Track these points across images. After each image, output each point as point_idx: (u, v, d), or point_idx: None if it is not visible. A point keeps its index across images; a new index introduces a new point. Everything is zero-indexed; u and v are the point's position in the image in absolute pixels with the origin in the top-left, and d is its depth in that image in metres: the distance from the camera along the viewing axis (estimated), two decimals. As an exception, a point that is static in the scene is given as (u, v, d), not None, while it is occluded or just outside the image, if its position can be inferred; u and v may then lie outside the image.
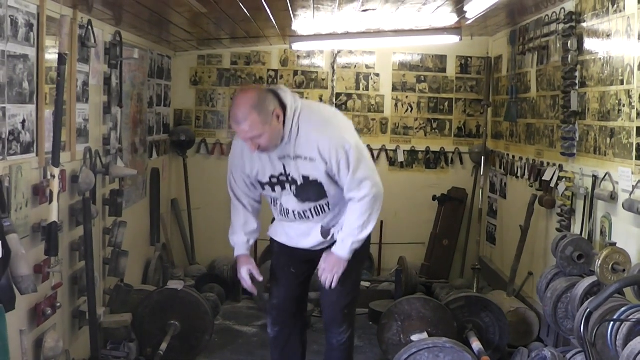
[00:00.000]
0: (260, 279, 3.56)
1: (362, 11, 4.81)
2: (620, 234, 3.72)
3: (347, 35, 6.01)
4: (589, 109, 4.16)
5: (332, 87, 6.81)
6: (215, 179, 6.76)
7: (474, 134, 6.87)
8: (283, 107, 3.21)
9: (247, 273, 3.53)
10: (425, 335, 4.27)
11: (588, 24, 4.17)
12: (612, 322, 2.92)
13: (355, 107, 6.83)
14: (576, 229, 4.34)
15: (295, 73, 6.82)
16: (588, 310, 2.53)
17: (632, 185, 3.50)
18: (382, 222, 6.78)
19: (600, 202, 3.97)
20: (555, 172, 4.66)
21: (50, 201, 3.38)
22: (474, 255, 6.70)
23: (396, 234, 6.81)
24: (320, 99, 6.79)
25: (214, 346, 4.96)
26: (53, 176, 3.40)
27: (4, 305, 2.77)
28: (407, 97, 6.85)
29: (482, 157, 6.57)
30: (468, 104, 6.86)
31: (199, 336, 4.63)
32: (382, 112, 6.85)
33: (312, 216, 3.45)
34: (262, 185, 3.44)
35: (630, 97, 3.58)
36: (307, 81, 6.81)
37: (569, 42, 4.30)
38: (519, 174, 5.63)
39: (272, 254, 3.80)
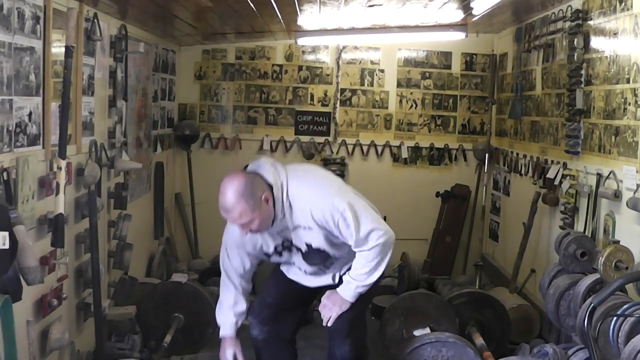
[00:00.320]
0: None
1: (369, 6, 4.82)
2: (623, 232, 3.72)
3: (352, 30, 6.01)
4: (594, 107, 4.17)
5: (337, 83, 6.81)
6: (219, 174, 6.66)
7: (478, 131, 6.87)
8: (270, 186, 3.14)
9: (231, 356, 3.46)
10: (427, 330, 4.28)
11: (595, 22, 4.17)
12: (614, 319, 2.93)
13: (359, 103, 6.84)
14: (579, 226, 4.35)
15: (300, 68, 6.82)
16: (592, 305, 2.53)
17: (637, 184, 3.50)
18: (385, 217, 6.76)
19: (604, 200, 3.98)
20: (559, 169, 4.66)
21: (57, 193, 3.40)
22: (477, 252, 6.70)
23: (399, 230, 6.65)
24: (325, 95, 6.80)
25: (217, 339, 4.95)
26: (59, 168, 3.41)
27: (11, 296, 2.79)
28: (411, 93, 6.85)
29: (486, 155, 6.57)
30: (472, 101, 6.86)
31: (203, 329, 4.65)
32: (387, 108, 6.86)
33: (325, 272, 3.42)
34: (269, 255, 3.38)
35: (636, 95, 3.58)
36: (311, 76, 6.82)
37: (575, 40, 4.30)
38: (522, 172, 5.63)
39: (274, 270, 3.66)
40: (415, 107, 6.86)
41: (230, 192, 3.04)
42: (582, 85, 4.31)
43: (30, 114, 3.25)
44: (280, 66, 6.82)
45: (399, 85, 6.84)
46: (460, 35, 5.95)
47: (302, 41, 6.39)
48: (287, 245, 3.32)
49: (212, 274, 6.14)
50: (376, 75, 6.83)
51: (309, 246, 3.26)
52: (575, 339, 3.98)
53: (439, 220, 6.75)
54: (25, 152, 3.20)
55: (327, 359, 3.51)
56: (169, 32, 5.84)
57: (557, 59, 4.88)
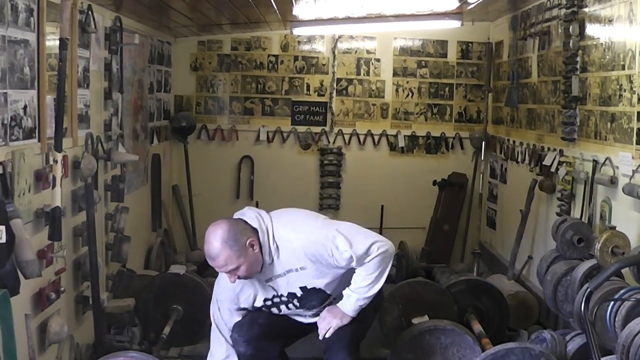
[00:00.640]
0: None
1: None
2: (619, 218, 3.74)
3: (348, 20, 5.99)
4: (589, 94, 4.17)
5: (333, 72, 6.80)
6: (216, 165, 6.80)
7: (474, 119, 6.87)
8: (255, 231, 3.12)
9: None
10: (426, 318, 4.30)
11: (590, 9, 4.17)
12: (611, 304, 2.95)
13: (355, 92, 6.83)
14: (576, 213, 4.36)
15: (296, 58, 6.81)
16: (588, 289, 2.55)
17: (632, 170, 3.51)
18: (382, 206, 6.82)
19: (600, 187, 3.99)
20: (555, 157, 4.67)
21: (53, 186, 3.40)
22: (474, 240, 6.72)
23: (397, 219, 6.84)
24: (321, 84, 6.80)
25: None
26: (56, 161, 3.41)
27: (9, 290, 2.79)
28: (407, 82, 6.84)
29: (483, 143, 6.57)
30: (469, 89, 6.86)
31: (201, 321, 4.65)
32: (383, 97, 6.85)
33: (321, 310, 3.37)
34: (259, 308, 3.36)
35: (631, 82, 3.59)
36: (307, 66, 6.81)
37: (571, 27, 4.29)
38: (519, 159, 5.64)
39: None
40: (412, 96, 6.85)
41: (214, 240, 3.06)
42: (578, 73, 4.30)
43: (25, 107, 3.24)
44: (276, 56, 6.81)
45: (395, 74, 6.83)
46: (455, 24, 5.94)
47: (298, 31, 6.37)
48: (276, 302, 3.30)
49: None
50: (372, 64, 6.82)
51: (303, 288, 3.23)
52: (573, 325, 4.00)
53: (437, 208, 6.76)
54: (21, 145, 3.19)
55: None
56: (164, 23, 5.82)
57: (552, 46, 4.87)
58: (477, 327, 4.37)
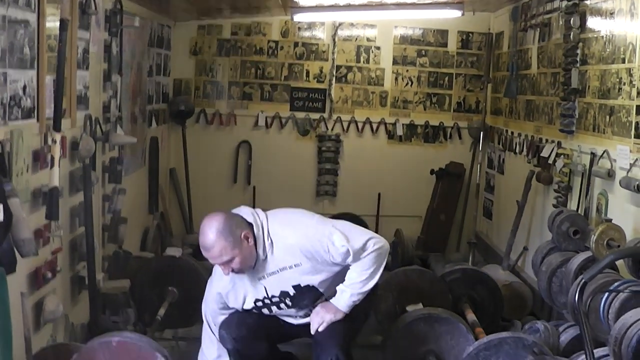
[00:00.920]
0: None
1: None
2: (616, 211, 3.75)
3: (349, 7, 5.98)
4: (589, 87, 4.17)
5: (333, 59, 6.79)
6: (214, 149, 6.80)
7: (473, 109, 6.87)
8: (250, 225, 3.15)
9: None
10: (420, 306, 4.31)
11: (591, 1, 4.16)
12: (605, 295, 2.97)
13: (355, 80, 6.82)
14: (573, 205, 4.37)
15: (296, 44, 6.79)
16: (583, 280, 2.56)
17: (630, 163, 3.53)
18: (379, 194, 6.82)
19: (597, 179, 4.00)
20: (553, 148, 4.68)
21: (51, 166, 3.39)
22: (470, 230, 6.74)
23: (393, 207, 6.85)
24: (321, 71, 6.79)
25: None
26: (54, 141, 3.40)
27: (5, 268, 2.79)
28: (407, 71, 6.83)
29: (481, 133, 6.58)
30: (468, 79, 6.85)
31: (196, 303, 4.65)
32: (382, 85, 6.84)
33: (311, 311, 3.36)
34: (249, 310, 3.36)
35: (631, 75, 3.59)
36: (307, 53, 6.79)
37: (572, 19, 4.29)
38: (517, 150, 5.65)
39: None
40: (411, 85, 6.85)
41: (210, 231, 3.10)
42: (578, 65, 4.31)
43: (24, 87, 3.23)
44: (276, 42, 6.79)
45: (394, 62, 6.82)
46: (456, 13, 5.93)
47: (298, 17, 6.35)
48: (267, 304, 3.31)
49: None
50: (372, 52, 6.81)
51: (296, 287, 3.24)
52: (566, 317, 4.03)
53: (433, 197, 6.78)
54: (20, 125, 3.18)
55: None
56: (164, 7, 5.80)
57: (553, 38, 4.87)
58: (471, 316, 4.38)
